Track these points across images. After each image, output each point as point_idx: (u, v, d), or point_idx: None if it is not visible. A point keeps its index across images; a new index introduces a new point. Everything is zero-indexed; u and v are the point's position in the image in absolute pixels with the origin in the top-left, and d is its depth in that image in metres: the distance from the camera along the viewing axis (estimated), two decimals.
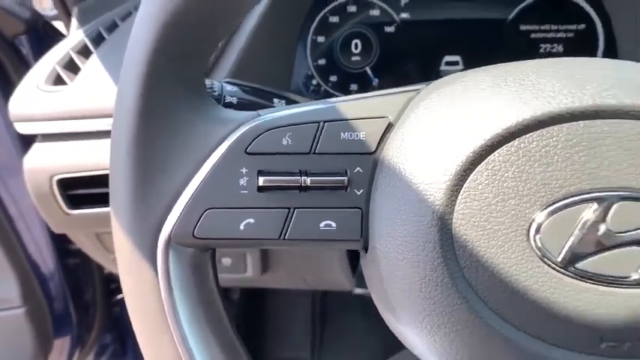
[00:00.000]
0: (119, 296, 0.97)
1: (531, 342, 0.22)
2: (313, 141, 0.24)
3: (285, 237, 0.24)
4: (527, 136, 0.22)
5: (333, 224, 0.25)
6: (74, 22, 0.57)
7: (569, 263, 0.21)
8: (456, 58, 0.59)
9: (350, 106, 0.25)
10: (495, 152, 0.22)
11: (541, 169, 0.21)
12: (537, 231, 0.21)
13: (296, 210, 0.24)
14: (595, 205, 0.21)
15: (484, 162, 0.22)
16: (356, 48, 0.60)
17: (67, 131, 0.48)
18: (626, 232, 0.21)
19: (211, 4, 0.23)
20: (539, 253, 0.21)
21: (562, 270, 0.21)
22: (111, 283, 0.96)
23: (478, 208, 0.22)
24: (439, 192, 0.22)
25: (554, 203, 0.21)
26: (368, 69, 0.60)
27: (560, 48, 0.58)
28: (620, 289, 0.21)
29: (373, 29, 0.60)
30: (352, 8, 0.60)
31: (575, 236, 0.21)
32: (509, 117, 0.22)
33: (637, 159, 0.21)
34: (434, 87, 0.26)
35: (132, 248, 0.24)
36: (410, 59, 0.60)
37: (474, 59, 0.59)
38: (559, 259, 0.21)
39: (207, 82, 0.38)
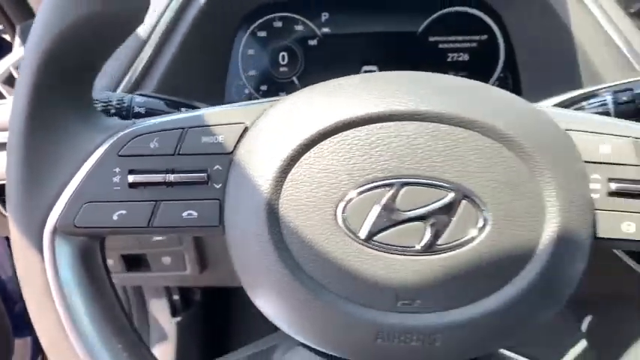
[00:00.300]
0: None
1: (344, 303, 0.27)
2: (177, 144, 0.29)
3: (152, 225, 0.29)
4: (335, 136, 0.27)
5: (195, 213, 0.29)
6: (17, 39, 0.61)
7: (369, 237, 0.27)
8: (374, 68, 0.65)
9: (212, 114, 0.30)
10: (310, 150, 0.27)
11: (345, 163, 0.27)
12: (343, 211, 0.27)
13: (162, 202, 0.29)
14: (387, 190, 0.26)
15: (302, 158, 0.27)
16: (283, 60, 0.65)
17: (4, 141, 0.52)
18: (411, 210, 0.26)
19: (96, 24, 0.28)
20: (345, 229, 0.27)
21: (363, 242, 0.27)
22: None
23: (298, 196, 0.27)
24: (267, 182, 0.27)
25: (356, 189, 0.26)
26: (295, 79, 0.66)
27: (465, 57, 0.64)
28: (408, 257, 0.26)
29: (298, 42, 0.65)
30: (278, 24, 0.65)
31: (372, 215, 0.26)
32: (321, 122, 0.27)
33: (420, 152, 0.26)
34: (283, 99, 0.31)
35: (22, 239, 0.29)
36: (332, 69, 0.65)
37: (390, 68, 0.64)
38: (360, 234, 0.27)
39: (119, 94, 0.43)
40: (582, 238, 0.27)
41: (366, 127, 0.27)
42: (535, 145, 0.26)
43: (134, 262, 0.64)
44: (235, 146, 0.30)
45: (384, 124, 0.27)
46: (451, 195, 0.26)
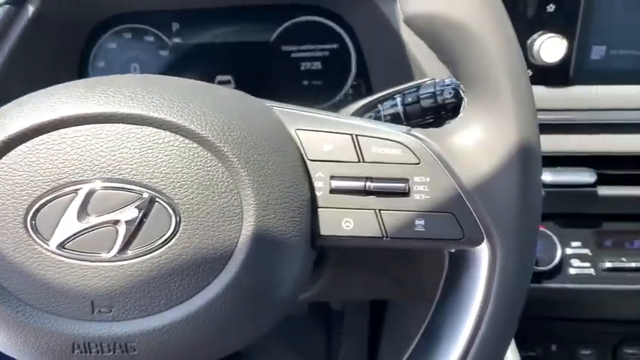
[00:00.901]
0: None
1: (41, 315, 0.26)
2: None
3: None
4: (26, 143, 0.26)
5: None
6: None
7: (60, 245, 0.25)
8: (228, 77, 0.65)
9: None
10: (1, 159, 0.26)
11: (36, 168, 0.25)
12: (33, 219, 0.25)
13: None
14: (78, 195, 0.25)
15: None
16: (135, 71, 0.64)
17: None
18: (102, 215, 0.26)
19: None
20: (35, 238, 0.25)
21: (55, 251, 0.25)
22: None
23: None
24: None
25: (43, 197, 0.25)
26: None
27: (318, 65, 0.65)
28: (102, 263, 0.25)
29: (149, 53, 0.64)
30: (128, 35, 0.64)
31: (63, 222, 0.25)
32: (11, 129, 0.26)
33: (112, 156, 0.26)
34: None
35: None
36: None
37: (244, 78, 0.65)
38: (51, 242, 0.25)
39: None
40: (286, 237, 0.27)
41: (58, 131, 0.26)
42: (232, 146, 0.26)
43: None
44: None
45: (75, 128, 0.26)
46: (143, 198, 0.25)
